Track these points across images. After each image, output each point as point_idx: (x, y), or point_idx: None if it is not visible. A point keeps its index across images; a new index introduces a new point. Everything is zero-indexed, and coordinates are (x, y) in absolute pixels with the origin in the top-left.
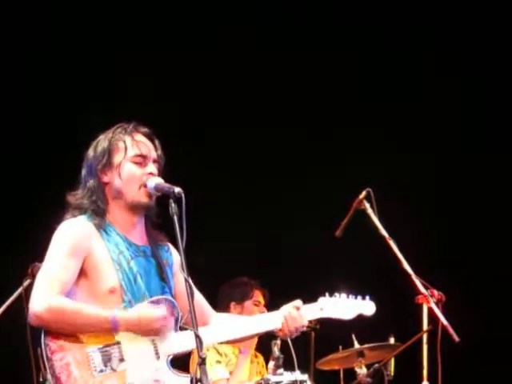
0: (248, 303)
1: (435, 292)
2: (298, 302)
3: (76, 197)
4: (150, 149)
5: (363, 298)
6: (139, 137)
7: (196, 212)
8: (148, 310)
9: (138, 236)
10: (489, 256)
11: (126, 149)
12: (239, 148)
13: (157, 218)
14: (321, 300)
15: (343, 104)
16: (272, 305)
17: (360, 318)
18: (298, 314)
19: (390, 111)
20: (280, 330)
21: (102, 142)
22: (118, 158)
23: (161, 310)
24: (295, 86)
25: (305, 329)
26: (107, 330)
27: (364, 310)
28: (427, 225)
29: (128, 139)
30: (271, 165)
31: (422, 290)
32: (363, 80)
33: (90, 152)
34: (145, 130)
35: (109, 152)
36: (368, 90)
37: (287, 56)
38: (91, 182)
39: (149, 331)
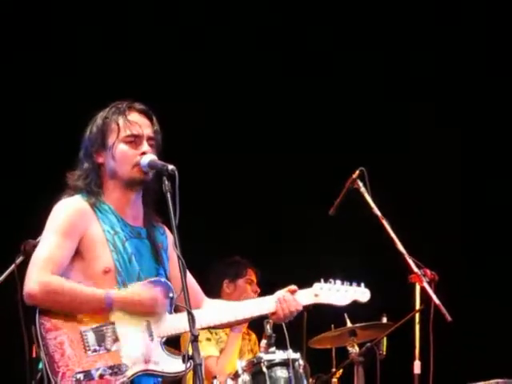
0: (241, 281)
1: (428, 271)
2: (292, 287)
3: (73, 178)
4: (144, 127)
5: (358, 285)
6: (133, 116)
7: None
8: (143, 290)
9: (134, 216)
10: (483, 235)
11: (118, 130)
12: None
13: (155, 195)
14: (316, 285)
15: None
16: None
17: (354, 305)
18: (292, 298)
19: None
20: (273, 313)
21: (97, 122)
22: (111, 140)
23: (156, 291)
24: None
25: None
26: (102, 309)
27: (359, 296)
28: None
29: (121, 119)
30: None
31: (415, 269)
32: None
33: (86, 133)
34: (140, 107)
35: (102, 133)
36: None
37: None
38: (86, 164)
39: (142, 311)
